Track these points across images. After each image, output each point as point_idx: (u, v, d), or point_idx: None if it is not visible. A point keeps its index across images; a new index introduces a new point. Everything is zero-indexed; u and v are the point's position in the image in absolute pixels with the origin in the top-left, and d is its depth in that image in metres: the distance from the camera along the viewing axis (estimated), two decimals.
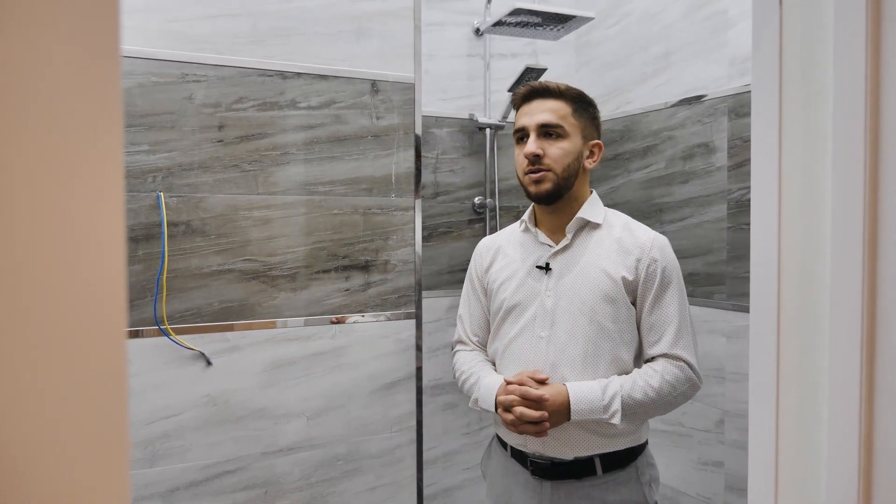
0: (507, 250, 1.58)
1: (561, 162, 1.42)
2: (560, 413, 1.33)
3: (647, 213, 2.18)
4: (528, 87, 1.47)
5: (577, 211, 1.48)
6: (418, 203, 1.89)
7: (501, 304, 1.52)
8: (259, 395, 1.75)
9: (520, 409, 1.34)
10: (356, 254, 1.84)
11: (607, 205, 2.36)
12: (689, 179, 2.08)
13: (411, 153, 1.88)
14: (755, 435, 0.78)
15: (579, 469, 1.41)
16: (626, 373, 1.45)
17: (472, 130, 2.34)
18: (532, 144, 1.42)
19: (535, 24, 2.08)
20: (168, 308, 1.65)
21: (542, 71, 2.13)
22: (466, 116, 2.31)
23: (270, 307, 1.76)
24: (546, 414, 1.33)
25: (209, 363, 1.70)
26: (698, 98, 2.01)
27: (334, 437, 1.84)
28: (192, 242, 1.67)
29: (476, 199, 2.37)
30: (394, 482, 1.91)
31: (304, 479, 1.81)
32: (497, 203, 2.37)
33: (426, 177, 2.29)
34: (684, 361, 1.43)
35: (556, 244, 1.49)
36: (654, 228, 2.21)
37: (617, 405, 1.35)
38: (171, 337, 1.65)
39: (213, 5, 1.67)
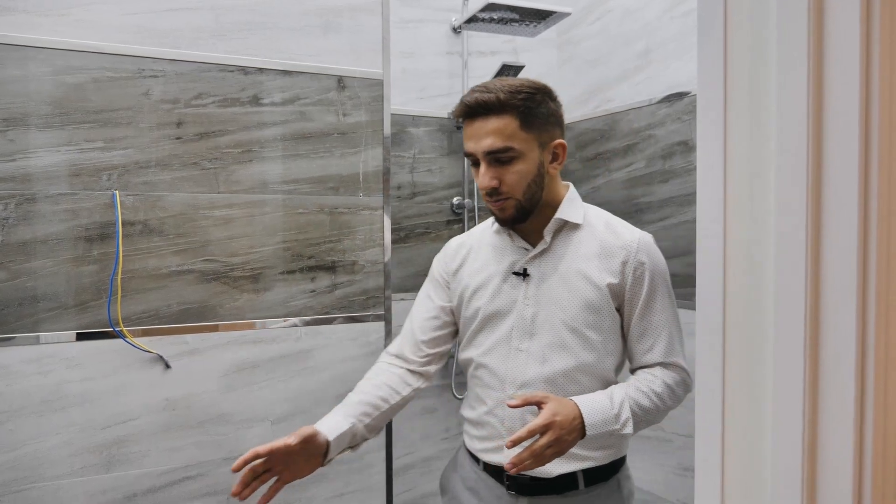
0: (479, 252, 1.42)
1: (519, 187, 1.26)
2: (573, 430, 1.18)
3: (627, 213, 2.12)
4: (464, 105, 1.25)
5: (550, 213, 1.34)
6: (387, 202, 1.84)
7: (476, 312, 1.36)
8: (221, 400, 1.70)
9: (538, 444, 1.15)
10: (322, 254, 1.79)
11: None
12: (668, 178, 2.03)
13: (380, 151, 1.83)
14: (701, 437, 0.75)
15: (561, 484, 1.32)
16: (610, 384, 1.35)
17: (451, 129, 2.29)
18: (485, 177, 1.25)
19: (513, 21, 2.03)
20: (124, 310, 1.60)
21: (519, 68, 2.08)
22: (445, 115, 2.26)
23: (232, 309, 1.71)
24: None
25: (168, 366, 1.65)
26: (679, 95, 1.95)
27: None
28: (150, 242, 1.62)
29: (454, 199, 2.32)
30: (363, 488, 1.86)
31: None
32: (476, 203, 2.32)
33: (403, 177, 2.23)
34: (680, 367, 1.36)
35: (534, 247, 1.34)
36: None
37: (627, 413, 1.24)
38: (127, 340, 1.60)
39: None
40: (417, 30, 2.19)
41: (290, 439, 1.19)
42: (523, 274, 1.33)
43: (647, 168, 2.09)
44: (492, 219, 1.43)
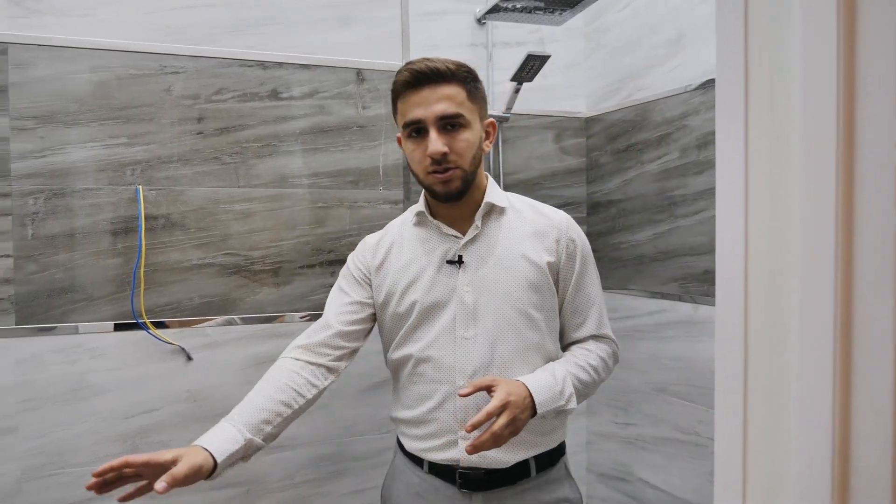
0: (402, 247, 1.36)
1: (467, 155, 1.25)
2: (526, 408, 1.18)
3: (661, 206, 2.05)
4: (414, 71, 1.23)
5: (478, 197, 1.33)
6: (408, 196, 1.83)
7: (412, 307, 1.30)
8: (240, 392, 1.69)
9: (498, 424, 1.12)
10: (342, 248, 1.79)
11: (620, 199, 2.26)
12: (703, 170, 1.95)
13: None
14: (721, 441, 0.72)
15: (514, 474, 1.30)
16: (552, 360, 1.35)
17: None
18: (437, 142, 1.21)
19: (538, 9, 1.99)
20: (147, 302, 1.64)
21: (544, 58, 2.04)
22: None
23: (253, 302, 1.73)
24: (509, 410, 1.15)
25: (189, 358, 1.68)
26: (714, 82, 1.88)
27: (319, 436, 1.79)
28: (172, 236, 1.66)
29: None
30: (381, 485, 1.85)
31: (287, 478, 1.77)
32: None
33: None
34: (610, 339, 1.41)
35: (464, 234, 1.32)
36: (666, 223, 2.09)
37: (570, 388, 1.25)
38: (150, 331, 1.63)
39: None
40: (440, 21, 2.17)
41: (171, 459, 1.07)
42: (458, 261, 1.31)
43: (682, 159, 2.02)
44: (409, 212, 1.40)
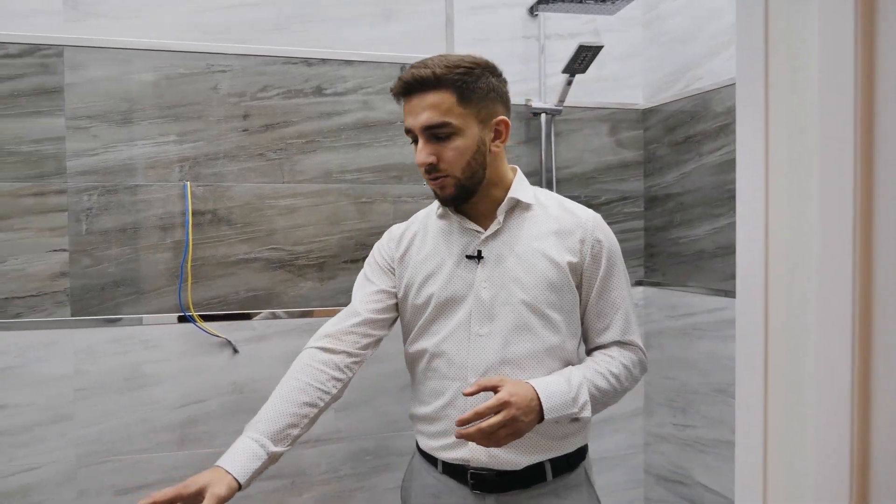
0: (425, 239, 1.35)
1: (457, 164, 1.21)
2: (531, 411, 1.13)
3: (719, 200, 1.96)
4: (401, 81, 1.22)
5: (501, 193, 1.29)
6: None
7: (429, 299, 1.29)
8: None
9: (487, 424, 1.09)
10: None
11: (678, 193, 2.17)
12: None
13: None
14: (742, 438, 0.70)
15: (528, 477, 1.26)
16: (571, 364, 1.30)
17: (528, 117, 2.22)
18: (422, 153, 1.21)
19: None
20: (195, 296, 1.68)
21: (597, 49, 1.97)
22: (522, 102, 2.20)
23: (297, 297, 1.75)
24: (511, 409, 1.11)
25: (236, 351, 1.71)
26: None
27: (363, 431, 1.80)
28: (219, 231, 1.69)
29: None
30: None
31: (331, 471, 1.78)
32: (555, 192, 2.23)
33: None
34: (636, 345, 1.34)
35: (485, 229, 1.29)
36: (726, 217, 2.00)
37: (585, 397, 1.20)
38: (197, 324, 1.68)
39: None
40: (491, 14, 2.14)
41: (196, 491, 1.07)
42: (477, 256, 1.28)
43: None
44: (435, 203, 1.37)
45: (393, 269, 1.37)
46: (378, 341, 1.35)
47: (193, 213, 1.67)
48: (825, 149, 0.58)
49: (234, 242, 1.70)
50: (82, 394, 1.62)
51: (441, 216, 1.34)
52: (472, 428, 1.09)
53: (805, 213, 0.61)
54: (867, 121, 0.54)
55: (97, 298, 1.62)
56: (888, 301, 0.54)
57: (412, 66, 1.22)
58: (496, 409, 1.09)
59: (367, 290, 1.35)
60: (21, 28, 1.56)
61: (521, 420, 1.11)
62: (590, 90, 2.15)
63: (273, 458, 1.18)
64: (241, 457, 1.14)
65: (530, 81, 2.19)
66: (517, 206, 1.30)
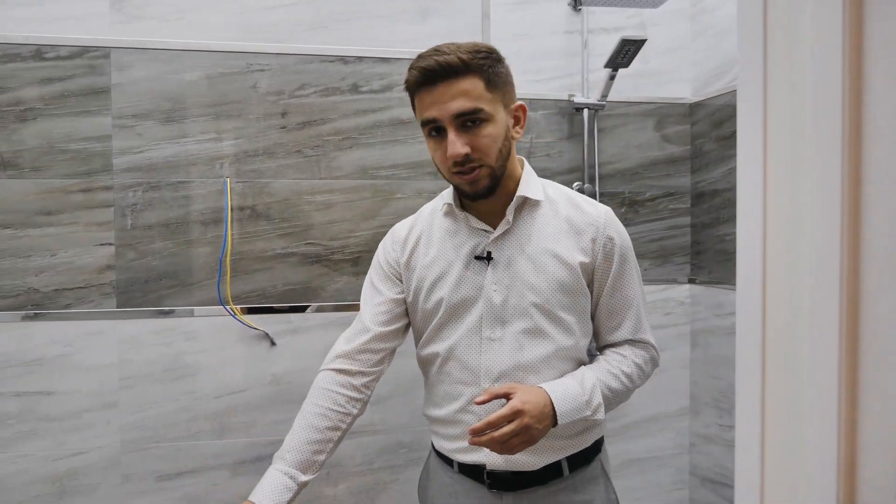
0: (430, 239, 1.30)
1: (492, 152, 1.16)
2: (544, 417, 1.11)
3: None
4: (423, 70, 1.14)
5: (511, 188, 1.24)
6: None
7: (439, 304, 1.26)
8: None
9: (499, 433, 1.08)
10: None
11: (725, 189, 2.11)
12: None
13: None
14: (741, 437, 0.70)
15: (545, 474, 1.24)
16: (583, 364, 1.27)
17: (570, 112, 2.19)
18: (455, 144, 1.13)
19: None
20: (234, 289, 1.72)
21: (641, 43, 1.93)
22: (564, 97, 2.17)
23: (333, 291, 1.77)
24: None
25: (273, 343, 1.75)
26: None
27: (398, 424, 1.81)
28: (257, 226, 1.73)
29: (574, 184, 2.21)
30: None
31: (366, 463, 1.80)
32: (597, 189, 2.20)
33: None
34: (649, 343, 1.31)
35: (494, 229, 1.24)
36: None
37: (598, 398, 1.18)
38: (236, 317, 1.72)
39: None
40: (532, 9, 2.12)
41: None
42: (486, 258, 1.23)
43: None
44: (439, 200, 1.33)
45: (399, 274, 1.34)
46: (393, 352, 1.35)
47: (233, 209, 1.71)
48: (816, 148, 0.57)
49: (272, 237, 1.74)
50: (126, 382, 1.69)
51: (447, 214, 1.30)
52: (484, 437, 1.08)
53: (799, 213, 0.61)
54: (855, 120, 0.54)
55: (141, 291, 1.69)
56: (876, 300, 0.53)
57: (426, 55, 1.16)
58: (509, 419, 1.08)
59: (375, 301, 1.34)
60: (71, 31, 1.63)
61: (534, 427, 1.10)
62: (635, 85, 2.11)
63: (303, 486, 1.22)
64: (273, 491, 1.18)
65: (572, 76, 2.17)
66: (526, 203, 1.26)
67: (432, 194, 1.80)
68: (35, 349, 1.65)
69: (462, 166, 1.16)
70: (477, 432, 1.08)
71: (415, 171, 1.79)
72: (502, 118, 1.18)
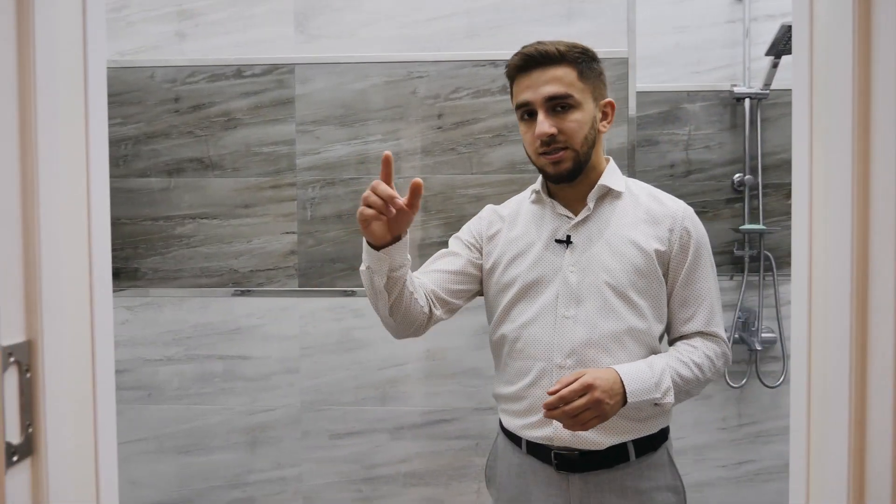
0: (516, 221, 1.40)
1: (578, 136, 1.26)
2: (615, 394, 1.16)
3: None
4: (524, 56, 1.28)
5: (594, 179, 1.33)
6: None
7: (513, 281, 1.34)
8: (471, 356, 1.94)
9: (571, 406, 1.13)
10: None
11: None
12: None
13: (624, 129, 1.87)
14: (795, 429, 0.75)
15: (611, 456, 1.27)
16: (655, 353, 1.29)
17: (732, 103, 2.18)
18: (543, 124, 1.25)
19: None
20: None
21: None
22: (725, 87, 2.16)
23: None
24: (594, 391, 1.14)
25: None
26: None
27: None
28: (417, 217, 1.93)
29: (735, 176, 2.20)
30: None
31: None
32: (760, 180, 2.16)
33: (676, 155, 2.19)
34: (720, 338, 1.32)
35: (576, 215, 1.33)
36: None
37: (668, 383, 1.21)
38: None
39: (434, 8, 1.90)
40: (693, 3, 2.14)
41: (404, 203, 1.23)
42: (566, 241, 1.31)
43: None
44: (529, 190, 1.43)
45: (479, 245, 1.42)
46: (454, 310, 1.43)
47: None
48: (830, 160, 0.63)
49: (430, 227, 1.93)
50: (306, 351, 1.96)
51: (535, 201, 1.41)
52: (557, 411, 1.14)
53: (834, 212, 0.65)
54: (864, 123, 0.59)
55: (318, 273, 1.95)
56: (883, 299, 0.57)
57: (526, 46, 1.30)
58: (580, 393, 1.14)
59: (449, 261, 1.41)
60: (264, 52, 1.92)
61: (605, 403, 1.15)
62: None
63: (394, 269, 1.24)
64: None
65: (733, 66, 2.15)
66: (608, 193, 1.34)
67: None
68: (236, 320, 1.97)
69: (548, 146, 1.27)
70: (550, 407, 1.15)
71: None
72: (590, 108, 1.29)
